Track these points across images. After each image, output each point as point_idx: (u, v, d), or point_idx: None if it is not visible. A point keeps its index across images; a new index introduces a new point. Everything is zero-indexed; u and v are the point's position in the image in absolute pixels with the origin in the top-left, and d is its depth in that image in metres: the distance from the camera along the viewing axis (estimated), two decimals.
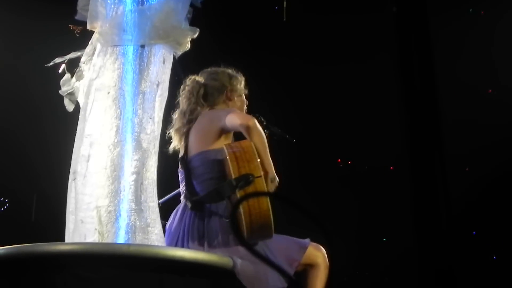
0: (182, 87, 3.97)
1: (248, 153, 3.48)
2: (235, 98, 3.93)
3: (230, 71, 3.99)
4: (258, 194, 3.50)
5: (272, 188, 3.58)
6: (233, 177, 3.45)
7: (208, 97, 3.90)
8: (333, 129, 6.98)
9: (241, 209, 3.37)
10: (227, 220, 3.53)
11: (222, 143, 3.67)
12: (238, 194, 3.43)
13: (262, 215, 3.40)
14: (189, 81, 3.96)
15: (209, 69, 4.01)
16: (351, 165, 7.26)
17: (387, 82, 7.18)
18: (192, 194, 3.69)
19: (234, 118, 3.63)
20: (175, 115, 3.93)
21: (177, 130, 3.88)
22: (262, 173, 3.48)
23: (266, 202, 3.40)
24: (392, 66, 7.24)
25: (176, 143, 3.89)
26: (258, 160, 3.49)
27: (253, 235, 3.44)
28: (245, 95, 4.00)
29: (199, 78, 3.95)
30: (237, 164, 3.46)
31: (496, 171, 6.71)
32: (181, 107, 3.92)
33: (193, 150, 3.77)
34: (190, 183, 3.74)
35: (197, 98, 3.88)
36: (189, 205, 3.67)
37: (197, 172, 3.73)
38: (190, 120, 3.85)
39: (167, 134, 3.92)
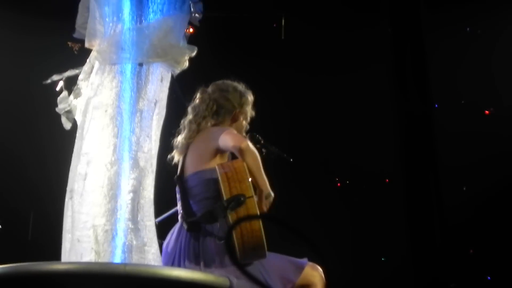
0: (196, 97, 3.99)
1: (240, 173, 3.50)
2: (241, 119, 3.94)
3: (241, 88, 3.99)
4: (250, 218, 3.50)
5: (267, 204, 3.59)
6: (225, 198, 3.46)
7: (218, 114, 3.92)
8: (328, 145, 6.99)
9: (234, 232, 3.37)
10: (221, 242, 3.53)
11: (218, 162, 3.68)
12: (229, 215, 3.44)
13: (254, 236, 3.41)
14: (203, 93, 3.98)
15: (221, 83, 4.01)
16: (347, 183, 7.27)
17: (382, 97, 7.20)
18: (188, 215, 3.70)
19: (227, 140, 3.65)
20: (185, 122, 3.96)
21: (185, 138, 3.90)
22: (253, 193, 3.49)
23: (257, 222, 3.41)
24: (387, 81, 7.26)
25: (178, 154, 3.90)
26: (250, 180, 3.50)
27: (246, 256, 3.45)
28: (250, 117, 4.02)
29: (212, 93, 3.96)
30: (228, 184, 3.48)
31: (492, 187, 6.72)
32: (191, 117, 3.94)
33: (190, 170, 3.78)
34: (186, 203, 3.74)
35: (208, 112, 3.91)
36: (185, 226, 3.66)
37: (193, 191, 3.73)
38: (197, 130, 3.88)
39: (174, 141, 3.94)
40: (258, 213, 3.50)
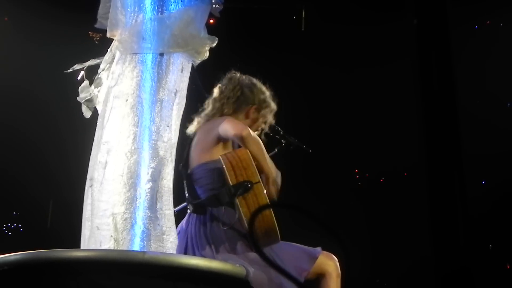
0: (229, 76, 4.00)
1: (244, 160, 3.53)
2: (255, 118, 3.93)
3: (268, 93, 4.00)
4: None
5: (274, 190, 3.60)
6: (231, 184, 3.51)
7: (237, 100, 3.92)
8: (350, 138, 6.98)
9: (243, 217, 3.41)
10: (225, 228, 3.55)
11: (221, 152, 3.70)
12: (238, 200, 3.45)
13: (265, 221, 3.45)
14: (233, 76, 4.01)
15: (253, 79, 4.03)
16: (368, 175, 7.26)
17: (406, 91, 7.16)
18: (194, 198, 3.75)
19: (227, 128, 3.68)
20: (210, 100, 4.00)
21: (206, 115, 3.95)
22: (259, 179, 3.52)
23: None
24: (411, 74, 7.22)
25: (195, 126, 3.94)
26: (255, 165, 3.53)
27: (260, 242, 3.46)
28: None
29: (241, 79, 3.99)
30: (234, 172, 3.52)
31: None
32: (217, 95, 3.98)
33: (195, 161, 3.83)
34: (194, 192, 3.78)
35: (233, 94, 3.92)
36: (190, 208, 3.71)
37: (199, 183, 3.79)
38: (220, 110, 3.91)
39: (197, 116, 3.98)
40: (266, 197, 3.51)
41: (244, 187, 3.48)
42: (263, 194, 3.51)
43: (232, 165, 3.53)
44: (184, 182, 3.87)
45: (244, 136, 3.60)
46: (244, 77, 4.02)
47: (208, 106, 3.99)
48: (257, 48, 6.93)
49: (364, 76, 7.02)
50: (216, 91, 4.01)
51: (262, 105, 3.96)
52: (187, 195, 3.81)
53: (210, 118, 3.93)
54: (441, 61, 7.04)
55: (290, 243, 3.68)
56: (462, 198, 6.72)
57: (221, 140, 3.77)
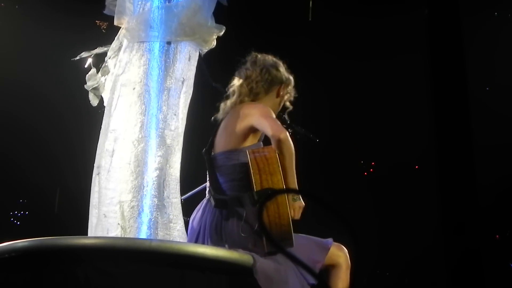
0: (252, 59, 3.88)
1: (272, 165, 3.40)
2: (282, 96, 3.88)
3: (289, 74, 3.94)
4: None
5: (296, 209, 3.48)
6: (255, 189, 3.40)
7: (268, 82, 3.83)
8: (359, 128, 6.97)
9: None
10: (243, 235, 3.48)
11: (250, 143, 3.63)
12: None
13: (282, 230, 3.35)
14: (255, 59, 3.88)
15: (271, 57, 3.91)
16: (375, 165, 7.25)
17: (416, 82, 7.15)
18: (216, 191, 3.66)
19: (266, 125, 3.55)
20: (234, 86, 3.84)
21: (234, 103, 3.80)
22: (284, 187, 3.41)
23: (286, 215, 3.35)
24: (422, 65, 7.19)
25: (221, 113, 3.83)
26: (281, 173, 3.41)
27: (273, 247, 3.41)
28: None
29: (264, 61, 3.87)
30: (259, 177, 3.39)
31: None
32: (242, 81, 3.83)
33: (220, 146, 3.72)
34: (215, 179, 3.69)
35: (262, 78, 3.81)
36: (213, 202, 3.65)
37: (221, 171, 3.69)
38: (247, 95, 3.79)
39: (222, 104, 3.85)
40: (288, 208, 3.39)
41: (268, 195, 3.36)
42: (286, 205, 3.37)
43: (259, 168, 3.39)
44: (207, 169, 3.75)
45: (281, 139, 3.44)
46: (266, 57, 3.88)
47: (235, 92, 3.82)
48: (265, 37, 6.90)
49: (374, 66, 7.00)
50: (241, 76, 3.84)
51: (287, 82, 3.91)
52: (209, 186, 3.71)
53: (239, 103, 3.78)
54: (452, 51, 7.02)
55: (302, 235, 3.63)
56: (472, 188, 6.70)
57: (252, 130, 3.64)
